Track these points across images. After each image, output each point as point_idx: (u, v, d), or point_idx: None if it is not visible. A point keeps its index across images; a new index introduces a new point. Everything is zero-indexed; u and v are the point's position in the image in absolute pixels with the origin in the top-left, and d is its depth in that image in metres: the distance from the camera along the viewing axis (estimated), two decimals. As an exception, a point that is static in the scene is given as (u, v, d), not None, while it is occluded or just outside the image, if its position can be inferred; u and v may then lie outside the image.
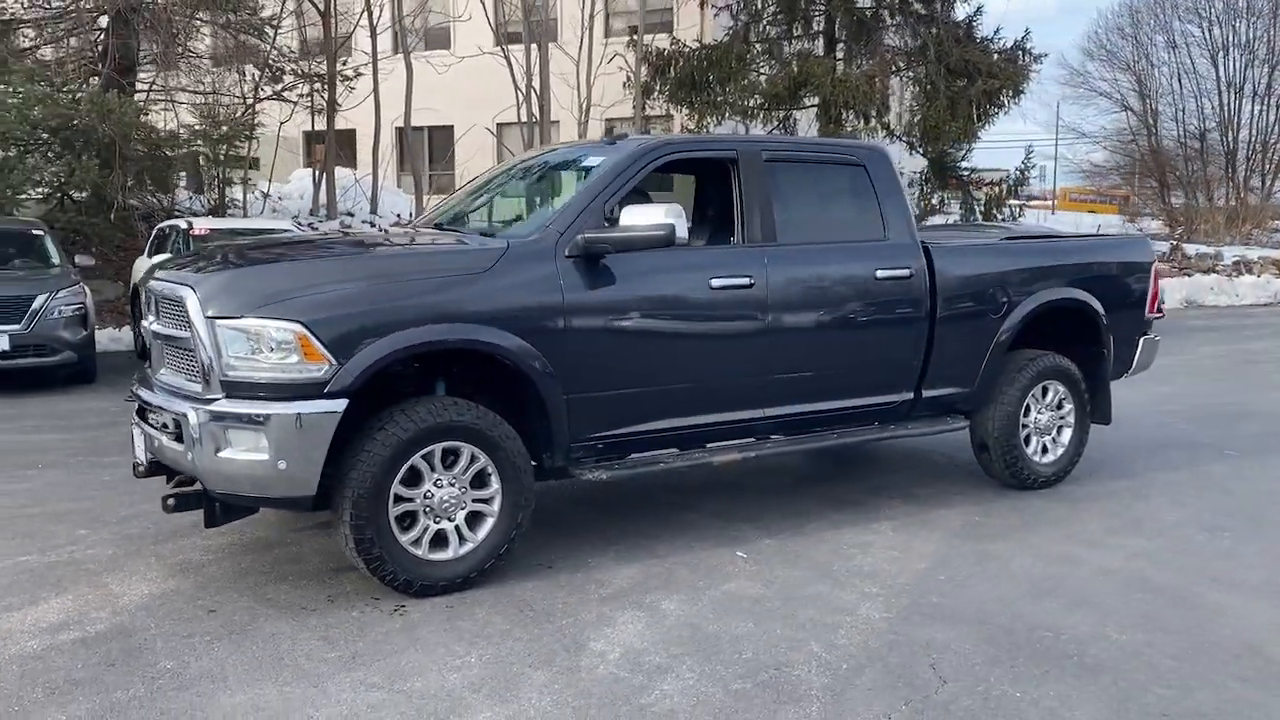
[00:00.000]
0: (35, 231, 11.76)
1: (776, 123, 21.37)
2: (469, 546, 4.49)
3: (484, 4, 20.96)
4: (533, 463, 4.87)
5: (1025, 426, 6.24)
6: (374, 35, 19.44)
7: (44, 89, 13.42)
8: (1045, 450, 6.35)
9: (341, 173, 21.33)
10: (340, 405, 4.13)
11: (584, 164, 5.19)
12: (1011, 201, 22.12)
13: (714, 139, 6.62)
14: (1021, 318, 6.06)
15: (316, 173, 19.87)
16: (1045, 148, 59.02)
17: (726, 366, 5.12)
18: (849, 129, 19.69)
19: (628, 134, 5.61)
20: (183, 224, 12.30)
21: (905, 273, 5.62)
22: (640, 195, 5.07)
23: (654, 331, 4.90)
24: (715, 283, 5.03)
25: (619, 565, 4.85)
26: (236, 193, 18.31)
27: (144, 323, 4.82)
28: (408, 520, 4.37)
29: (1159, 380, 9.35)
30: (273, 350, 4.09)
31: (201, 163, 15.80)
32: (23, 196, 14.10)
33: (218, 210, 17.67)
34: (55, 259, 11.19)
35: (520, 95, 20.25)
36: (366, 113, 20.04)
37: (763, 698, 3.48)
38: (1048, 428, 6.33)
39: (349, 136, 24.47)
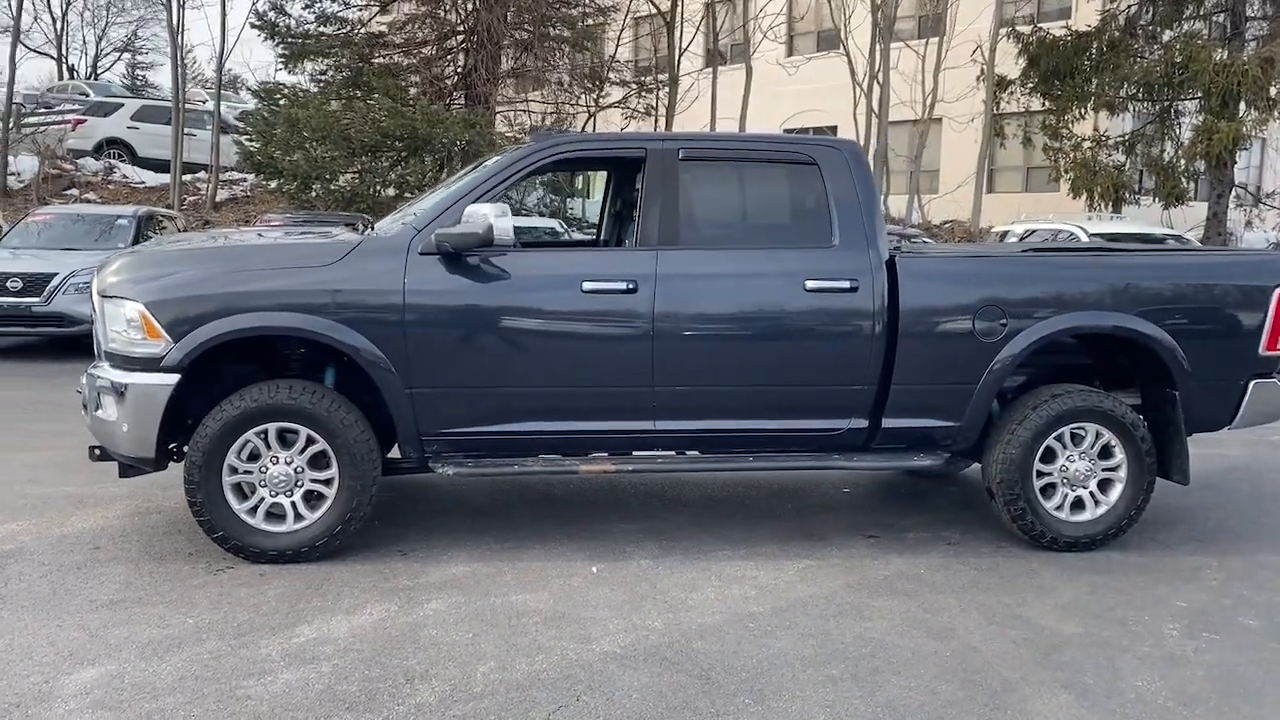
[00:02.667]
0: (360, 225, 13.79)
1: (1154, 114, 18.82)
2: (304, 523, 4.80)
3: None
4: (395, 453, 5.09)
5: (1045, 475, 5.24)
6: (715, 38, 19.98)
7: (393, 103, 15.51)
8: (1080, 506, 5.29)
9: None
10: (171, 380, 4.63)
11: (489, 163, 5.24)
12: None
13: (620, 137, 6.20)
14: (1026, 346, 5.11)
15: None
16: None
17: (600, 374, 4.92)
18: (1239, 119, 16.84)
19: (551, 131, 5.51)
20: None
21: (845, 285, 4.99)
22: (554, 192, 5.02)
23: (512, 333, 4.86)
24: (588, 286, 4.86)
25: (461, 561, 4.89)
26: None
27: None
28: (250, 491, 4.78)
29: None
30: (128, 327, 4.69)
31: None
32: (377, 194, 16.48)
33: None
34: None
35: (862, 91, 19.75)
36: (761, 117, 20.51)
37: (342, 702, 3.45)
38: (1082, 479, 5.26)
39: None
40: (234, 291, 4.69)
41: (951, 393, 5.16)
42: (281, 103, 16.79)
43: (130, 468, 5.14)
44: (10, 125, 20.56)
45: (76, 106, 24.71)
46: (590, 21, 18.62)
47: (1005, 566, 5.03)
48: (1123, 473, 5.28)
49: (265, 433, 4.73)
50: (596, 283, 4.86)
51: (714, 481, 6.51)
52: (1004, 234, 15.62)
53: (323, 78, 18.69)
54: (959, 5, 19.91)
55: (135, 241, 12.77)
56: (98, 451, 5.25)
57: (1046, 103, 19.32)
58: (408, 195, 17.38)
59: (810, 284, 4.98)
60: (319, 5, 17.29)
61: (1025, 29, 19.57)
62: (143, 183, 21.10)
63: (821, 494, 6.38)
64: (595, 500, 6.07)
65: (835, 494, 6.42)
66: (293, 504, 4.80)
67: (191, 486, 4.69)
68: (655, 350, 4.90)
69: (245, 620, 4.13)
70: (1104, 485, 5.30)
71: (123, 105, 23.38)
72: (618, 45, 18.94)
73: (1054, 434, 5.21)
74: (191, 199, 20.01)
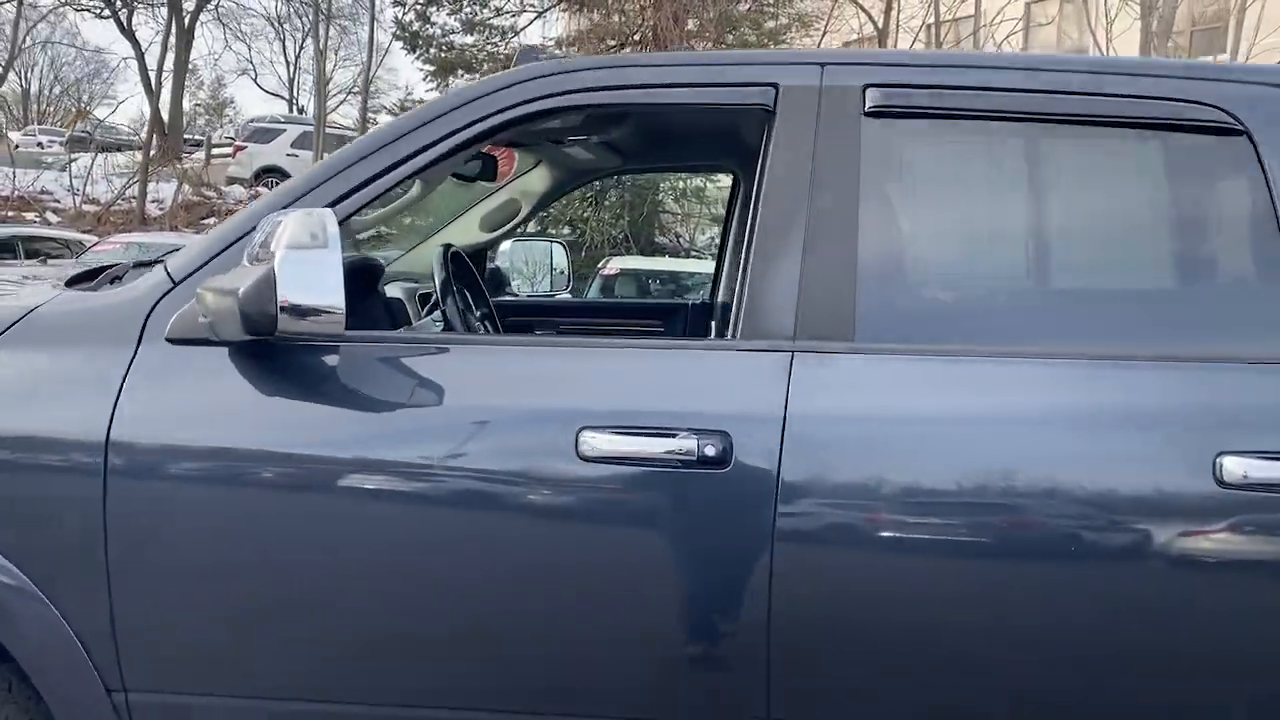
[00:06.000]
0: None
1: None
2: None
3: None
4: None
5: None
6: (937, 23, 16.71)
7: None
8: None
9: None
10: None
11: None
12: None
13: (711, 57, 2.71)
14: None
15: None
16: None
17: (630, 659, 1.84)
18: None
19: (540, 54, 2.36)
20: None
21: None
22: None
23: (400, 555, 1.84)
24: (592, 445, 1.77)
25: None
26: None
27: None
28: None
29: None
30: None
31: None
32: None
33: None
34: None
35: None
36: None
37: None
38: None
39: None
40: None
41: None
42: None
43: None
44: (152, 154, 19.64)
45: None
46: (790, 29, 15.69)
47: None
48: None
49: None
50: (613, 435, 1.78)
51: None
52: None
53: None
54: (1262, 5, 15.64)
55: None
56: None
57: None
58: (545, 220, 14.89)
59: (1233, 463, 1.72)
60: (466, 10, 15.09)
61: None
62: (281, 211, 19.62)
63: None
64: None
65: None
66: None
67: None
68: (775, 603, 1.76)
69: None
70: None
71: (284, 131, 22.09)
72: (823, 36, 16.06)
73: None
74: (328, 229, 18.31)
